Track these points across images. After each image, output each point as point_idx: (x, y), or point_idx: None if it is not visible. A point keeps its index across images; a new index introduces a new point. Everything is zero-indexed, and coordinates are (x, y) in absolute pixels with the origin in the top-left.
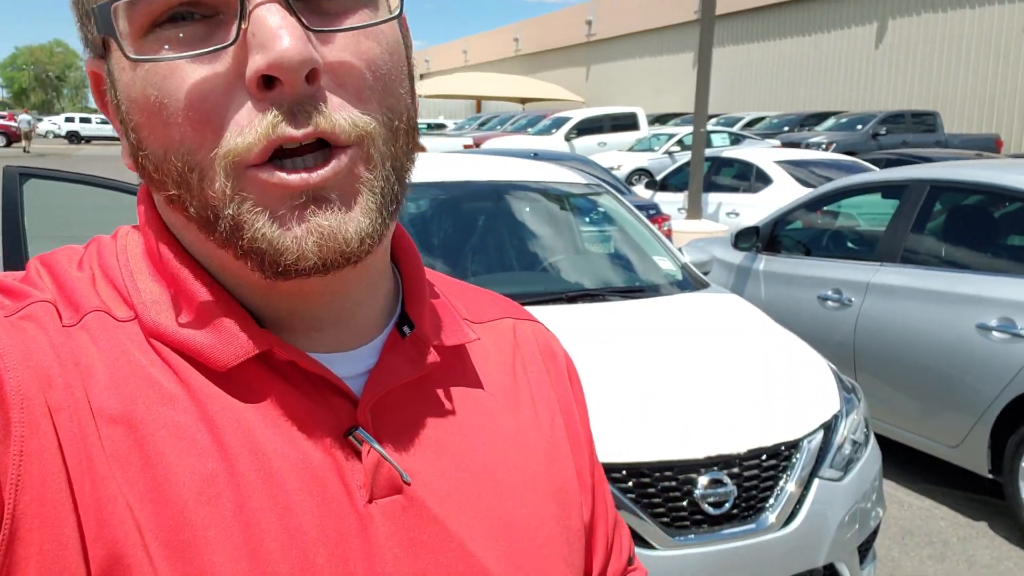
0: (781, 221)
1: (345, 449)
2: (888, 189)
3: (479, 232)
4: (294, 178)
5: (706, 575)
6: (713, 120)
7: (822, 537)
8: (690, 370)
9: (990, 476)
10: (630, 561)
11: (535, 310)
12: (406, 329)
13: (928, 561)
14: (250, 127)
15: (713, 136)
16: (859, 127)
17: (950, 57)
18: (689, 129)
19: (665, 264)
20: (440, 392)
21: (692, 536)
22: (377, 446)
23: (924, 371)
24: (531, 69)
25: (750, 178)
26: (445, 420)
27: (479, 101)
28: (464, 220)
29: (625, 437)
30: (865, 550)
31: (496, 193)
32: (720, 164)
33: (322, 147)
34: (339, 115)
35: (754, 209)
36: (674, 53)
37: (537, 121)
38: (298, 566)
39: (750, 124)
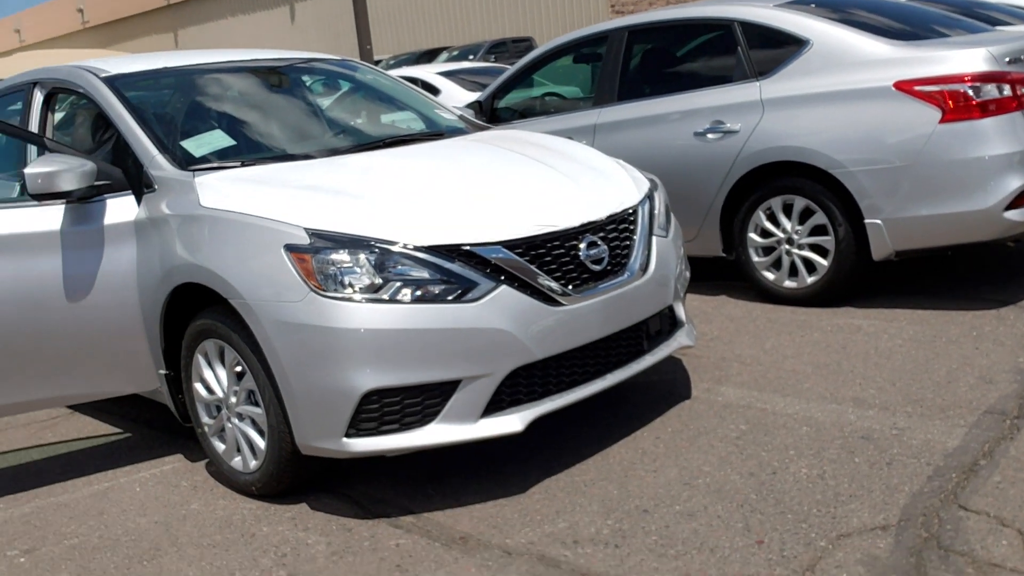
0: (497, 94)
1: None
2: (589, 44)
3: (281, 107)
4: None
5: (601, 319)
6: None
7: (667, 281)
8: (535, 170)
9: (723, 255)
10: None
11: (354, 157)
12: None
13: (701, 325)
14: None
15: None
16: (471, 57)
17: None
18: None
19: (446, 115)
20: None
21: (586, 290)
22: None
23: None
24: (107, 41)
25: None
26: None
27: None
28: (253, 96)
29: (516, 221)
30: (682, 299)
31: (276, 72)
32: None
33: None
34: None
35: None
36: (267, 8)
37: None
38: None
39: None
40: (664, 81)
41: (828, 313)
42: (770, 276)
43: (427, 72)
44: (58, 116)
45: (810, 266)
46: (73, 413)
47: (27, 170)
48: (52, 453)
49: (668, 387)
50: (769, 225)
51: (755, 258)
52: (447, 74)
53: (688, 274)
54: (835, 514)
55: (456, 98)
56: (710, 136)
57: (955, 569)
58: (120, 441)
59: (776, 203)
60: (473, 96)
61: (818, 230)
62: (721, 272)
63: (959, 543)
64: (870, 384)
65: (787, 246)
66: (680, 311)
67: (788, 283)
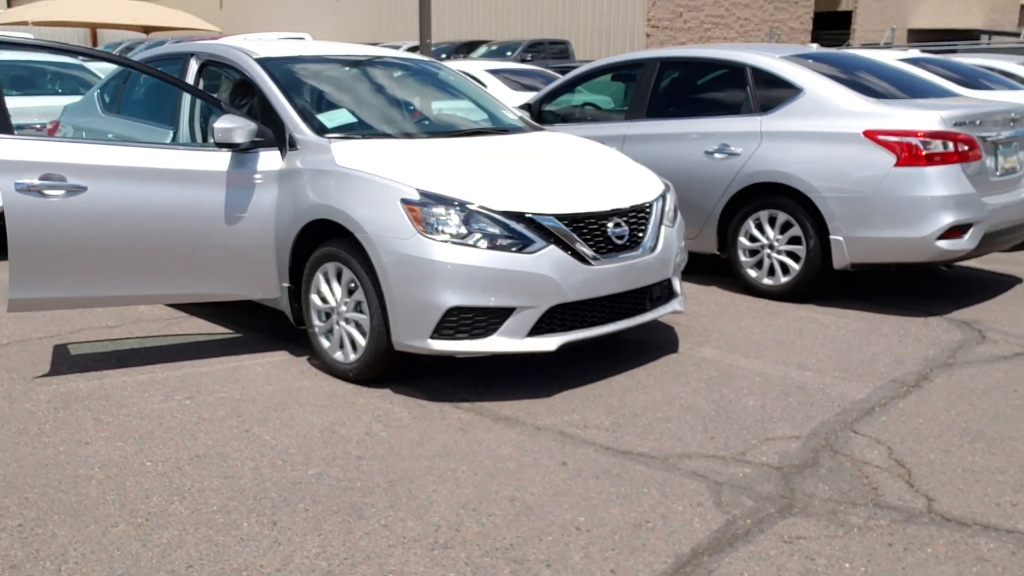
0: (547, 98)
1: None
2: (627, 67)
3: (390, 94)
4: None
5: (618, 280)
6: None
7: (669, 260)
8: (581, 166)
9: (717, 253)
10: None
11: (445, 141)
12: None
13: (693, 305)
14: None
15: None
16: (508, 53)
17: None
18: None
19: (510, 115)
20: None
21: (610, 257)
22: None
23: None
24: None
25: None
26: None
27: (94, 29)
28: (365, 84)
29: (564, 201)
30: (678, 277)
31: (387, 67)
32: None
33: None
34: None
35: None
36: None
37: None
38: None
39: (410, 51)
40: (685, 106)
41: (794, 307)
42: (752, 273)
43: (477, 68)
44: (205, 82)
45: (785, 268)
46: (190, 316)
47: (216, 125)
48: (182, 341)
49: (661, 345)
50: (756, 232)
51: (742, 258)
52: (494, 72)
53: (685, 258)
54: (766, 428)
55: (501, 95)
56: (717, 155)
57: (837, 462)
58: (234, 338)
59: (763, 215)
60: (515, 94)
61: (794, 240)
62: (714, 268)
63: (845, 449)
64: (813, 356)
65: (768, 251)
66: (676, 285)
67: (766, 280)
